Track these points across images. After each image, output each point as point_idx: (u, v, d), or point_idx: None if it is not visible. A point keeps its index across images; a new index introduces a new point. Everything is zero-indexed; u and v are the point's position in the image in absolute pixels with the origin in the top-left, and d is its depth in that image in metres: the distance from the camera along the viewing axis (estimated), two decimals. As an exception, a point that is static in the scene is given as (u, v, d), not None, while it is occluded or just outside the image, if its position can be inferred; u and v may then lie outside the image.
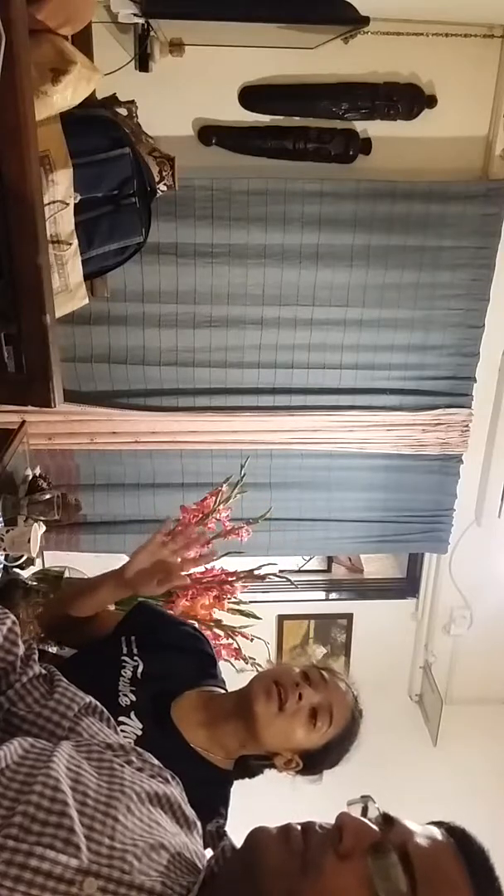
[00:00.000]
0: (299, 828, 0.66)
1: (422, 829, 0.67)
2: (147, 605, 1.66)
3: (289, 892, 0.62)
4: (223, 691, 1.46)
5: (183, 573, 1.45)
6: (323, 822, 0.67)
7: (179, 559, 1.45)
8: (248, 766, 1.39)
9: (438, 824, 0.69)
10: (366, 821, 0.66)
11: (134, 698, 1.31)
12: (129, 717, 1.28)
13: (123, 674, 1.35)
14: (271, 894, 0.62)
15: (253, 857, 0.64)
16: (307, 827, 0.66)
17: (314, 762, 1.35)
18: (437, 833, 0.67)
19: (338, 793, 1.56)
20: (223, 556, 2.24)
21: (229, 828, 1.01)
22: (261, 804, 1.64)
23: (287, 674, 1.36)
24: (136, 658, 1.39)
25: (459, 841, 0.67)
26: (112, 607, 1.67)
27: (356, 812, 0.67)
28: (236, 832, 0.79)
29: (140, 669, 1.37)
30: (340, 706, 1.35)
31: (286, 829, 0.66)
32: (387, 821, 0.67)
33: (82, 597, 1.52)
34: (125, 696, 1.31)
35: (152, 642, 1.45)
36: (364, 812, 0.68)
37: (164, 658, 1.43)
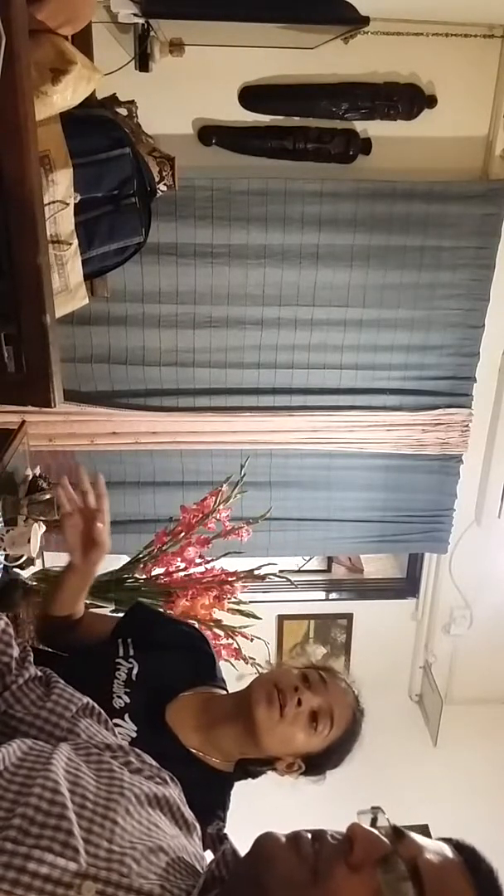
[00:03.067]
0: (309, 836, 0.65)
1: (432, 845, 0.66)
2: (143, 606, 1.66)
3: None
4: (223, 692, 1.45)
5: (102, 528, 1.54)
6: (333, 831, 0.67)
7: (98, 522, 1.56)
8: (249, 769, 1.38)
9: (447, 840, 0.68)
10: (377, 833, 0.66)
11: (128, 700, 1.30)
12: (123, 719, 1.26)
13: (118, 676, 1.34)
14: None
15: (261, 865, 0.64)
16: (318, 836, 0.65)
17: (316, 765, 1.34)
18: (447, 849, 0.67)
19: (339, 793, 1.57)
20: (223, 556, 2.24)
21: (231, 829, 1.01)
22: (263, 804, 1.65)
23: (286, 677, 1.34)
24: (131, 660, 1.39)
25: (468, 859, 0.66)
26: (107, 610, 1.67)
27: (365, 822, 0.67)
28: (239, 833, 0.78)
29: (135, 671, 1.36)
30: (341, 708, 1.33)
31: (296, 838, 0.65)
32: (397, 834, 0.66)
33: (53, 594, 1.57)
34: (119, 698, 1.30)
35: (148, 643, 1.44)
36: (373, 823, 0.67)
37: (159, 659, 1.42)
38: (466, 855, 0.67)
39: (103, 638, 1.51)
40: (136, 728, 1.26)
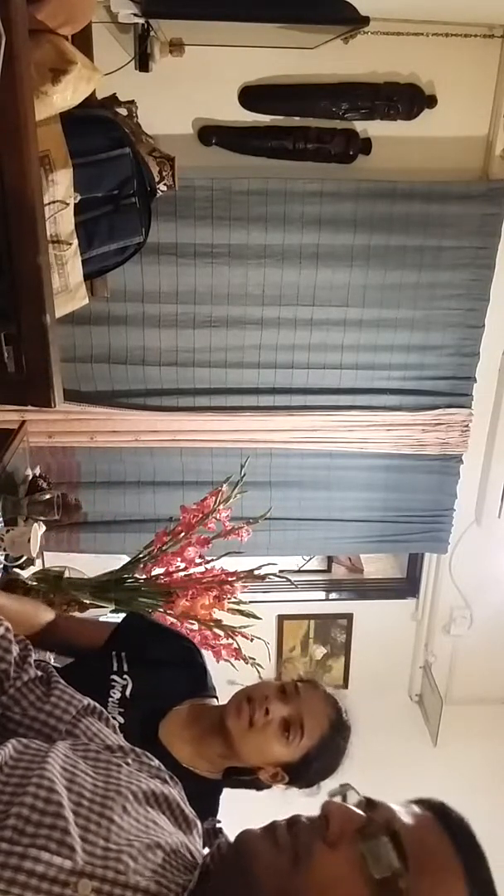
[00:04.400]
0: (285, 823, 0.66)
1: (404, 808, 0.68)
2: (136, 617, 1.64)
3: (283, 890, 0.62)
4: (215, 700, 1.46)
5: None
6: (308, 815, 0.68)
7: None
8: (243, 781, 1.39)
9: (416, 801, 0.70)
10: (350, 806, 0.67)
11: (122, 720, 1.30)
12: None
13: (112, 695, 1.35)
14: (265, 894, 0.62)
15: (243, 860, 0.64)
16: (292, 821, 0.67)
17: (298, 775, 1.35)
18: (418, 809, 0.69)
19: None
20: (223, 556, 2.24)
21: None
22: (257, 811, 1.63)
23: (259, 689, 1.37)
24: (125, 677, 1.39)
25: (438, 813, 0.68)
26: (107, 611, 1.65)
27: (337, 801, 0.68)
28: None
29: (129, 690, 1.36)
30: (312, 717, 1.34)
31: (272, 827, 0.66)
32: (369, 804, 0.68)
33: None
34: (113, 719, 1.30)
35: (142, 658, 1.44)
36: (344, 800, 0.69)
37: (154, 675, 1.42)
38: (436, 810, 0.69)
39: (95, 647, 1.49)
40: None
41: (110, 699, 1.33)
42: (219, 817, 1.33)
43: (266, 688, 1.37)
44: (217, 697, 1.47)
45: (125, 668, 1.40)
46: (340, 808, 0.66)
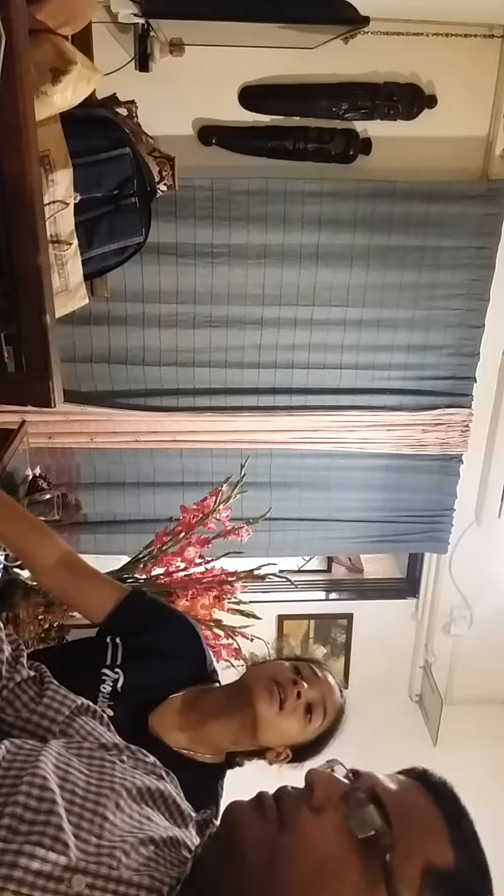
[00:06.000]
0: (271, 794, 0.68)
1: (388, 777, 0.70)
2: (139, 598, 1.51)
3: (270, 856, 0.63)
4: (216, 684, 1.45)
5: None
6: (294, 785, 0.69)
7: None
8: (237, 760, 1.40)
9: (401, 772, 0.72)
10: (334, 774, 0.69)
11: (111, 713, 1.27)
12: None
13: (103, 689, 1.33)
14: (253, 864, 0.63)
15: (231, 831, 0.66)
16: (279, 792, 0.68)
17: (303, 753, 1.37)
18: (401, 777, 0.71)
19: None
20: (223, 556, 2.24)
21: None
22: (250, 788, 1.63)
23: (283, 671, 1.36)
24: (117, 670, 1.36)
25: (421, 778, 0.70)
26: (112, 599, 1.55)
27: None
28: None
29: (120, 683, 1.35)
30: (332, 700, 1.37)
31: (259, 798, 0.68)
32: (354, 774, 0.70)
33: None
34: (102, 712, 1.29)
35: (139, 647, 1.40)
36: (331, 766, 0.71)
37: (148, 667, 1.39)
38: (418, 775, 0.71)
39: (93, 619, 1.44)
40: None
41: (101, 693, 1.32)
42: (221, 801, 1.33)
43: (287, 669, 1.37)
44: (219, 682, 1.46)
45: (118, 660, 1.38)
46: (324, 776, 0.68)
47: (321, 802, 0.65)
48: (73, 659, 1.44)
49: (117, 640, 1.41)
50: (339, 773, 0.70)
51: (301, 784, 0.69)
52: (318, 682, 1.36)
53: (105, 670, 1.36)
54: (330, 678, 1.40)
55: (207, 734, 1.34)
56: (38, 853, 0.62)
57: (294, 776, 1.37)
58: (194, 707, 1.36)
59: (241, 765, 1.41)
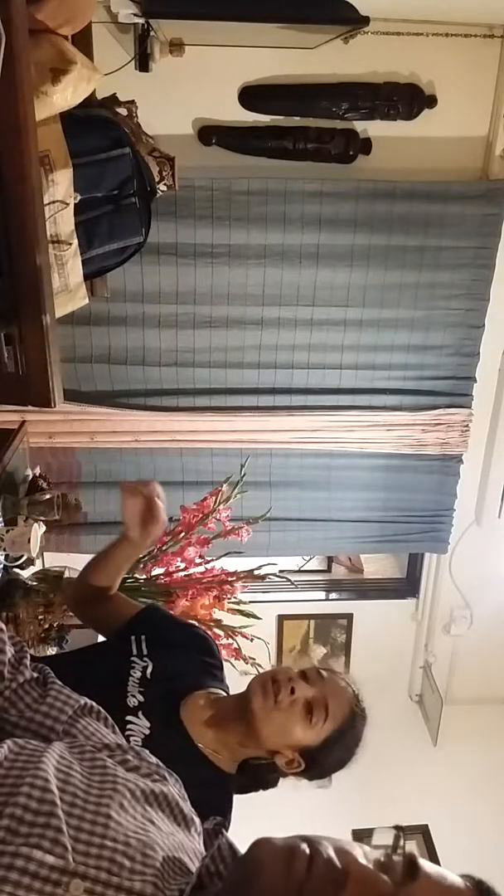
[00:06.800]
0: (307, 851, 0.59)
1: (441, 884, 0.59)
2: (156, 608, 1.68)
3: None
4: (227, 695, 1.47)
5: (159, 503, 1.53)
6: (336, 846, 0.60)
7: (157, 499, 1.53)
8: (257, 775, 1.40)
9: (467, 878, 0.62)
10: (378, 874, 0.59)
11: (142, 699, 1.33)
12: (137, 716, 1.30)
13: (133, 674, 1.37)
14: None
15: (250, 871, 0.61)
16: (315, 853, 0.59)
17: (315, 761, 1.35)
18: (460, 882, 0.61)
19: (340, 792, 1.57)
20: (223, 556, 2.24)
21: (236, 825, 1.01)
22: (267, 800, 1.64)
23: (282, 671, 1.38)
24: (145, 659, 1.41)
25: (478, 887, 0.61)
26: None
27: (386, 839, 0.60)
28: (242, 830, 0.77)
29: (150, 670, 1.39)
30: (336, 700, 1.35)
31: (292, 850, 0.59)
32: (411, 871, 0.58)
33: (98, 564, 1.64)
34: (133, 696, 1.33)
35: (162, 642, 1.47)
36: (395, 844, 0.60)
37: (173, 658, 1.44)
38: (475, 883, 0.61)
39: (121, 625, 1.54)
40: (149, 725, 1.29)
41: (131, 678, 1.36)
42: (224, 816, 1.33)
43: (289, 670, 1.39)
44: (228, 692, 1.49)
45: (145, 651, 1.44)
46: (364, 872, 0.58)
47: None
48: (99, 655, 1.51)
49: (142, 636, 1.47)
50: (402, 847, 0.59)
51: (344, 834, 0.59)
52: (320, 682, 1.36)
53: (134, 659, 1.42)
54: (339, 681, 1.40)
55: (225, 738, 1.35)
56: (35, 855, 0.61)
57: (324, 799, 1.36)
58: (215, 710, 1.38)
59: (263, 785, 1.42)
